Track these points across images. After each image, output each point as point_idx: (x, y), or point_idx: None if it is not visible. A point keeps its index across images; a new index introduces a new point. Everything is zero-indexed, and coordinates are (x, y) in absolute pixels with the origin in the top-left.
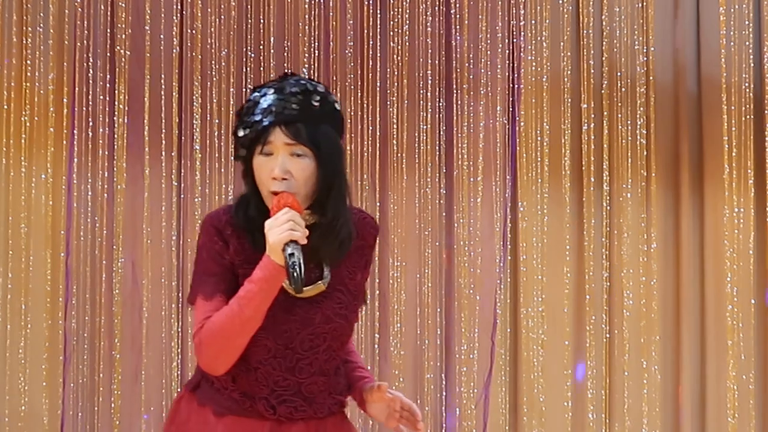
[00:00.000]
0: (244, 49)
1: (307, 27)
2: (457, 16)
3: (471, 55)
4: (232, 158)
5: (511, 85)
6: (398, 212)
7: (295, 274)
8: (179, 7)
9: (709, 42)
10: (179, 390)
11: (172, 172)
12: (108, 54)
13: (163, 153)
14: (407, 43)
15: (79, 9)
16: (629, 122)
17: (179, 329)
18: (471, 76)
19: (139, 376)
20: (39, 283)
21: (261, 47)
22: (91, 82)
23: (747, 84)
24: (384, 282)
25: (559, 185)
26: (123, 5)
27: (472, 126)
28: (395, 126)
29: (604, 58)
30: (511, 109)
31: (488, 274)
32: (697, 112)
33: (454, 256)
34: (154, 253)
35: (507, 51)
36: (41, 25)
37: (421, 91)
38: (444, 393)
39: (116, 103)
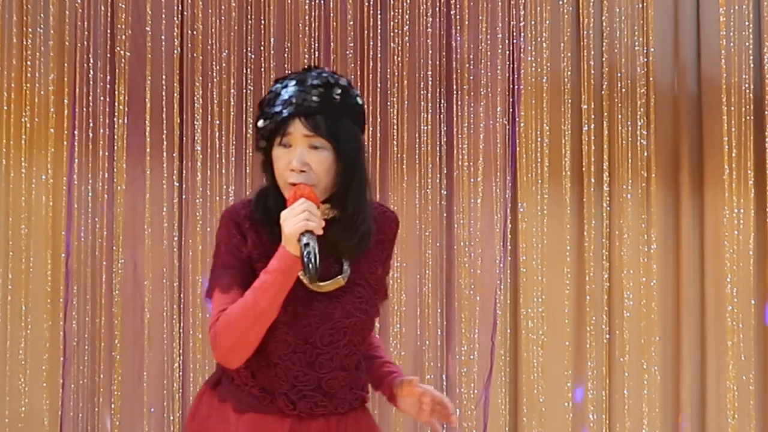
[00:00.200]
0: (245, 50)
1: (307, 28)
2: (458, 16)
3: (471, 56)
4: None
5: (511, 86)
6: (398, 212)
7: (309, 264)
8: (180, 8)
9: (709, 42)
10: (180, 391)
11: (173, 173)
12: (108, 55)
13: (164, 154)
14: (407, 44)
15: (80, 10)
16: (629, 123)
17: (180, 330)
18: (471, 77)
19: (141, 377)
20: (39, 284)
21: (261, 48)
22: (91, 82)
23: (747, 84)
24: None
25: (559, 186)
26: (123, 6)
27: (473, 126)
28: (395, 126)
29: (604, 59)
30: (511, 110)
31: (488, 275)
32: (697, 113)
33: (454, 257)
34: (155, 253)
35: (507, 52)
36: (41, 25)
37: (422, 92)
38: (444, 393)
39: (117, 103)
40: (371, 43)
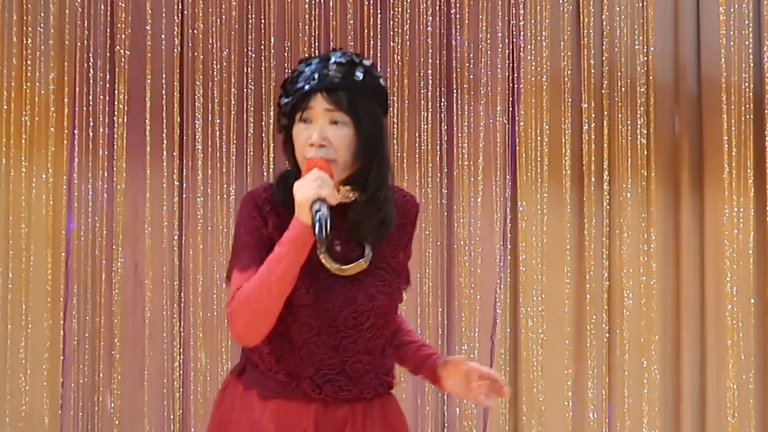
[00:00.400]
0: (245, 49)
1: (307, 27)
2: (458, 16)
3: (471, 55)
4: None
5: (511, 85)
6: None
7: (320, 230)
8: (180, 6)
9: (709, 42)
10: (181, 391)
11: (173, 172)
12: (108, 54)
13: (165, 153)
14: (407, 43)
15: (80, 9)
16: (629, 122)
17: (180, 330)
18: (471, 76)
19: (141, 377)
20: (40, 283)
21: (262, 47)
22: (91, 81)
23: (747, 84)
24: None
25: (559, 185)
26: (123, 5)
27: (473, 125)
28: (396, 126)
29: (604, 58)
30: (511, 109)
31: (488, 274)
32: (697, 112)
33: (454, 256)
34: (155, 253)
35: (507, 51)
36: (42, 25)
37: (422, 91)
38: (444, 394)
39: (117, 103)
40: (371, 42)
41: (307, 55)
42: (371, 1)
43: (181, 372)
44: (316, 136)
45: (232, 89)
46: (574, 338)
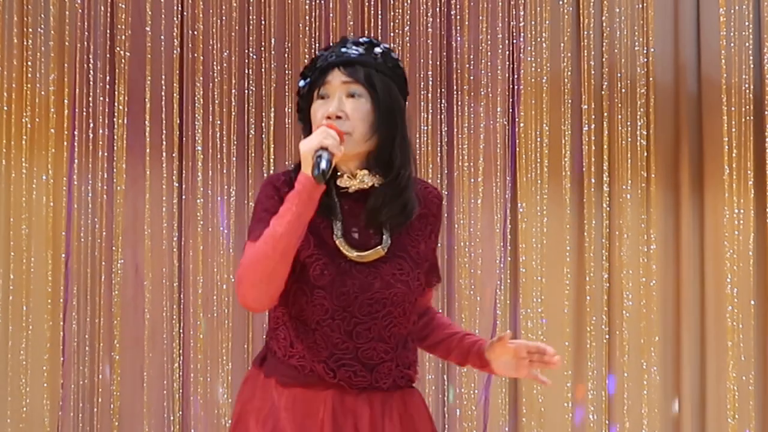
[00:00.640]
0: (246, 50)
1: (307, 28)
2: (458, 17)
3: (471, 56)
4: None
5: (511, 86)
6: None
7: (316, 167)
8: (180, 8)
9: (709, 43)
10: (180, 391)
11: (173, 173)
12: (108, 55)
13: (164, 154)
14: (408, 44)
15: (80, 10)
16: (629, 123)
17: (180, 330)
18: (471, 77)
19: (141, 378)
20: (40, 285)
21: (262, 48)
22: (91, 83)
23: (747, 85)
24: None
25: (559, 186)
26: (123, 6)
27: (473, 127)
28: None
29: (604, 59)
30: (511, 110)
31: (488, 275)
32: (697, 113)
33: (454, 257)
34: (155, 254)
35: (507, 52)
36: (42, 26)
37: (422, 92)
38: (445, 394)
39: (116, 104)
40: None
41: (307, 55)
42: (371, 2)
43: (180, 373)
44: (333, 108)
45: (233, 90)
46: (573, 339)
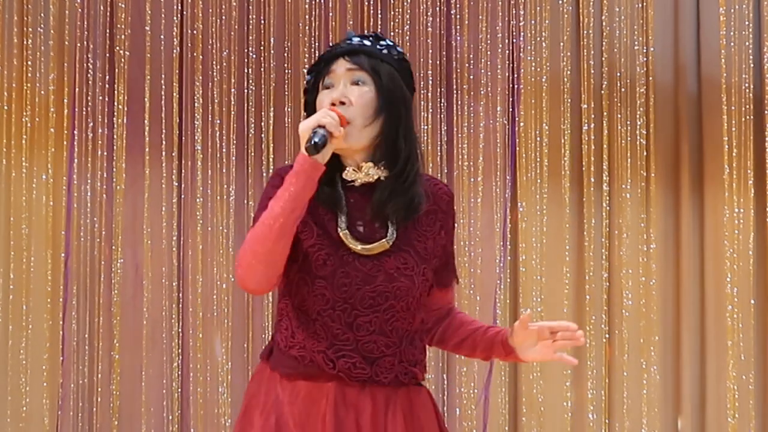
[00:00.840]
0: (245, 50)
1: (307, 27)
2: (458, 16)
3: (471, 56)
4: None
5: (511, 86)
6: None
7: (309, 140)
8: (179, 7)
9: (709, 42)
10: (180, 391)
11: (172, 173)
12: (108, 54)
13: (164, 153)
14: (407, 44)
15: (80, 9)
16: (629, 122)
17: (180, 330)
18: (471, 77)
19: (140, 377)
20: (40, 284)
21: (262, 47)
22: (91, 82)
23: (747, 84)
24: None
25: (559, 185)
26: (123, 6)
27: (472, 126)
28: None
29: (603, 59)
30: (510, 110)
31: (488, 275)
32: (697, 113)
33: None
34: (154, 253)
35: (507, 51)
36: (42, 25)
37: (422, 92)
38: (445, 393)
39: (116, 103)
40: None
41: (307, 55)
42: (371, 2)
43: (180, 372)
44: (336, 94)
45: (232, 90)
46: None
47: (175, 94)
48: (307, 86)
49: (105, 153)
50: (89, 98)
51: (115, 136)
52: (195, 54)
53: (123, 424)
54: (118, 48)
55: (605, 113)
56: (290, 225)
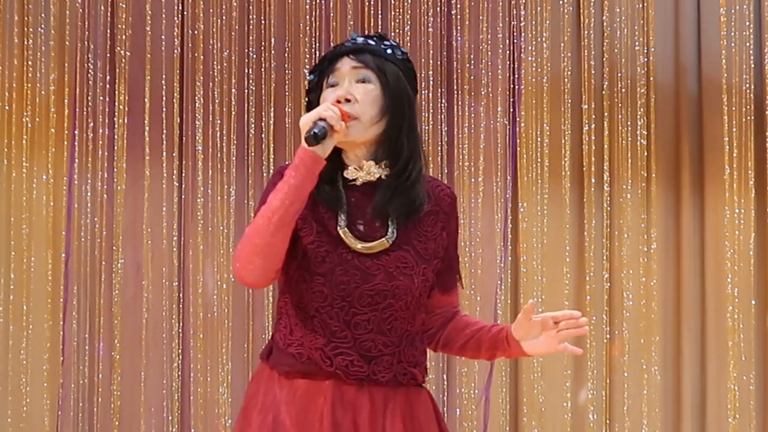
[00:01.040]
0: (246, 50)
1: (308, 27)
2: (458, 16)
3: (472, 56)
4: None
5: (511, 86)
6: None
7: (311, 130)
8: (180, 7)
9: (710, 43)
10: (180, 391)
11: (173, 173)
12: (109, 54)
13: (164, 154)
14: (408, 44)
15: (80, 10)
16: (629, 123)
17: (180, 330)
18: (472, 77)
19: (140, 377)
20: (40, 284)
21: (262, 48)
22: (91, 82)
23: (747, 85)
24: None
25: (560, 186)
26: (124, 6)
27: (473, 126)
28: None
29: (604, 59)
30: (511, 110)
31: (489, 275)
32: (697, 113)
33: None
34: (155, 253)
35: (508, 51)
36: (42, 25)
37: (423, 92)
38: (445, 393)
39: (117, 103)
40: None
41: (307, 55)
42: (371, 2)
43: (180, 373)
44: (342, 91)
45: (233, 90)
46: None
47: (175, 94)
48: (309, 86)
49: (105, 153)
50: (90, 98)
51: (115, 137)
52: (196, 54)
53: (123, 425)
54: (118, 48)
55: (606, 113)
56: (289, 218)
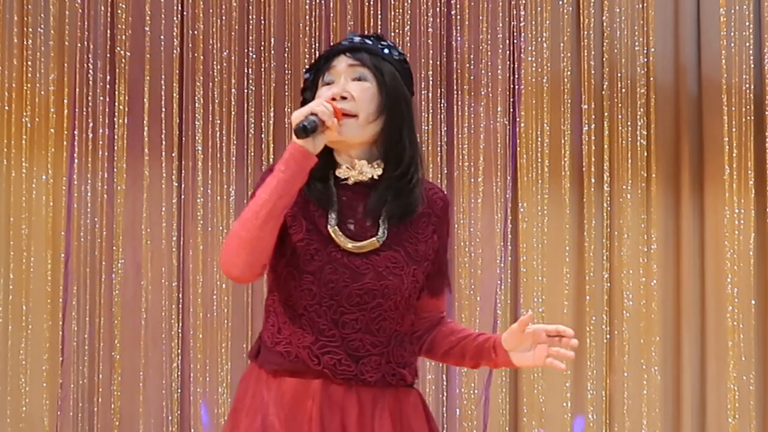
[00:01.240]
0: (245, 50)
1: (307, 27)
2: (458, 16)
3: (471, 56)
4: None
5: (511, 86)
6: None
7: (301, 122)
8: (180, 7)
9: (710, 43)
10: (180, 391)
11: (172, 173)
12: (108, 55)
13: (164, 154)
14: (408, 44)
15: (80, 10)
16: (629, 123)
17: (180, 330)
18: (471, 77)
19: (140, 377)
20: (40, 284)
21: (262, 48)
22: (91, 82)
23: (747, 85)
24: None
25: (560, 186)
26: (123, 6)
27: (473, 127)
28: None
29: (604, 59)
30: (511, 110)
31: (489, 275)
32: (697, 113)
33: (454, 257)
34: (154, 253)
35: (507, 52)
36: (42, 26)
37: (422, 92)
38: (445, 394)
39: (116, 103)
40: None
41: (307, 55)
42: (372, 2)
43: (180, 373)
44: (337, 88)
45: (232, 90)
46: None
47: (175, 94)
48: (305, 84)
49: (105, 153)
50: (89, 98)
51: (115, 137)
52: (195, 54)
53: (123, 425)
54: (118, 48)
55: (606, 114)
56: (277, 212)
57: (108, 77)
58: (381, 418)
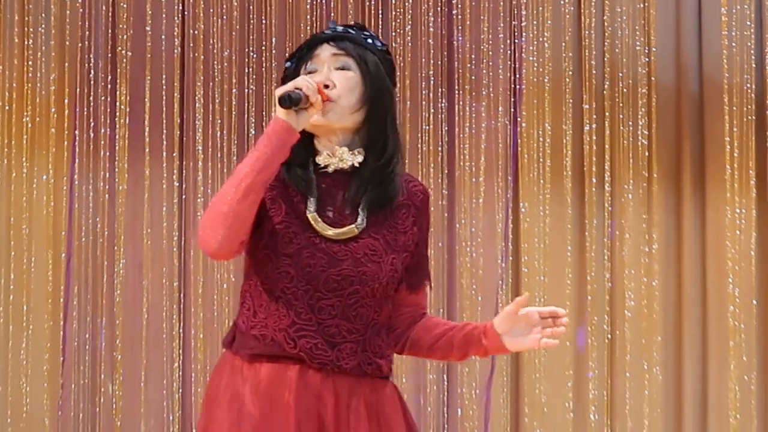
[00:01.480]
0: (247, 50)
1: (308, 27)
2: (459, 16)
3: (473, 56)
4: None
5: (512, 86)
6: None
7: (283, 92)
8: (181, 7)
9: (711, 42)
10: (180, 391)
11: (173, 173)
12: (109, 54)
13: (165, 153)
14: (409, 44)
15: (81, 9)
16: (631, 123)
17: (180, 330)
18: (473, 77)
19: (141, 378)
20: (40, 284)
21: (263, 47)
22: (92, 82)
23: (749, 85)
24: None
25: (561, 186)
26: (124, 6)
27: (474, 126)
28: None
29: (605, 59)
30: (512, 110)
31: (490, 275)
32: (698, 113)
33: (455, 257)
34: (155, 254)
35: (508, 51)
36: (43, 25)
37: (423, 92)
38: (446, 394)
39: (118, 103)
40: None
41: None
42: (372, 2)
43: (180, 373)
44: (321, 77)
45: (233, 90)
46: (575, 339)
47: (176, 94)
48: (285, 73)
49: (106, 153)
50: (90, 98)
51: (116, 137)
52: (196, 54)
53: (124, 425)
54: (119, 48)
55: (607, 113)
56: (257, 186)
57: (109, 77)
58: (357, 409)
